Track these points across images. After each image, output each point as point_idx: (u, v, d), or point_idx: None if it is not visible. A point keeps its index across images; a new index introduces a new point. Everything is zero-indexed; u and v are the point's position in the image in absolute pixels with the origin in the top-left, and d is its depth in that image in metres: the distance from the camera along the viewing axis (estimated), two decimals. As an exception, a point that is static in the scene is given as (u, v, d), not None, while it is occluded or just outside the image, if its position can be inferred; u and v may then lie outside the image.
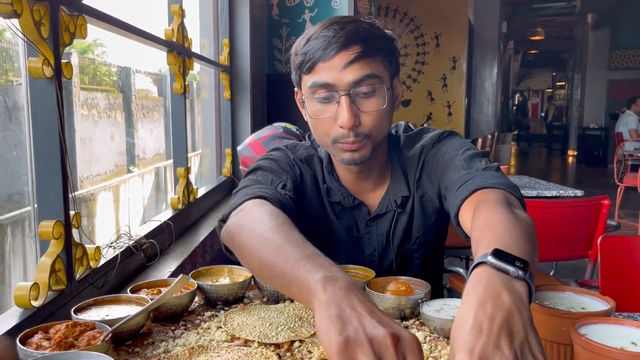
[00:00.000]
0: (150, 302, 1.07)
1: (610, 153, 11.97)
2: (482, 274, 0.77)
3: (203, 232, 2.76)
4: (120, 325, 0.99)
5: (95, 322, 0.99)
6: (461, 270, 2.41)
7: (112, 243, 2.06)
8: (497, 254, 0.77)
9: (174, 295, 1.14)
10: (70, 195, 1.47)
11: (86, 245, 1.65)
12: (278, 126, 2.91)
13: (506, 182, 1.15)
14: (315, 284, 0.77)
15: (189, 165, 2.75)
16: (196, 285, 1.23)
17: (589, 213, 2.72)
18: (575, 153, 15.21)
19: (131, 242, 2.06)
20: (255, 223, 1.06)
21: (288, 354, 1.01)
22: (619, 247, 1.93)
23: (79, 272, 1.59)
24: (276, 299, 1.27)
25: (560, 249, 2.79)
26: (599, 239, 1.92)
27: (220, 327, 1.10)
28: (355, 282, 0.79)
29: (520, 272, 0.76)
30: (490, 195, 1.08)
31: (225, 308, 1.24)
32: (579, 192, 3.34)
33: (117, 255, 1.89)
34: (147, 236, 2.19)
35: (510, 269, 0.76)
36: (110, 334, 0.96)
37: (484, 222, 0.94)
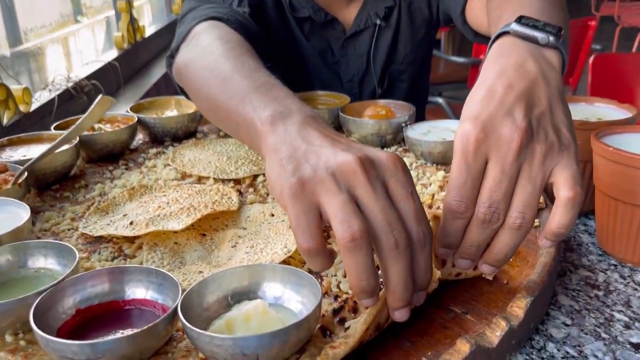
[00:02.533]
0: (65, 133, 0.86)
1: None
2: (503, 45, 0.59)
3: (156, 74, 2.49)
4: (32, 164, 0.79)
5: (7, 164, 0.80)
6: (440, 100, 2.25)
7: (47, 85, 1.81)
8: (523, 20, 0.60)
9: (109, 131, 0.95)
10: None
11: (11, 87, 1.41)
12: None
13: None
14: (262, 124, 0.59)
15: (130, -3, 2.39)
16: (136, 118, 1.03)
17: (573, 36, 2.52)
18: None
19: (70, 84, 1.82)
20: (203, 52, 0.84)
21: (251, 189, 0.84)
22: (610, 64, 1.77)
23: (7, 117, 1.37)
24: (235, 131, 1.08)
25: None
26: (592, 57, 1.75)
27: (169, 165, 0.93)
28: (317, 114, 0.60)
29: (552, 38, 0.59)
30: None
31: (175, 144, 1.05)
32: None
33: (53, 99, 1.65)
34: (89, 77, 1.94)
35: (539, 35, 0.59)
36: (25, 176, 0.77)
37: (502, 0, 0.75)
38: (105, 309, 0.55)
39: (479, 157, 0.51)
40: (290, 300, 0.55)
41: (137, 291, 0.56)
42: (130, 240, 0.69)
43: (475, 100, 0.54)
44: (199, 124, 1.11)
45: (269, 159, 0.55)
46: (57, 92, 1.70)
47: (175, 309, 0.50)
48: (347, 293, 0.58)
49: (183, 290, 0.54)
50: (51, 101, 1.63)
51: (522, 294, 0.58)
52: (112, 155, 0.98)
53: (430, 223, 0.56)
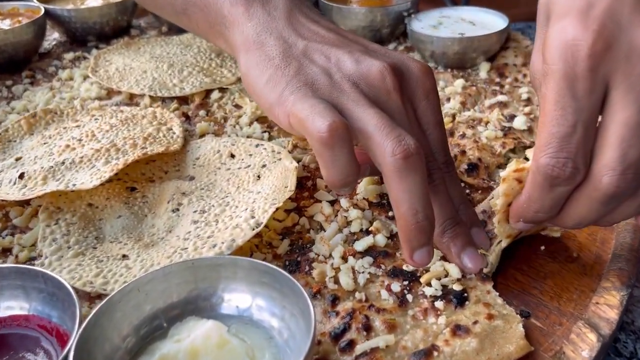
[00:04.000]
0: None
1: None
2: None
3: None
4: None
5: None
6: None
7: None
8: None
9: (6, 29, 0.68)
10: None
11: None
12: None
13: None
14: (233, 5, 0.46)
15: None
16: (43, 10, 0.76)
17: None
18: None
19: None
20: None
21: (202, 112, 0.61)
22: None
23: None
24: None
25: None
26: None
27: (89, 77, 0.68)
28: None
29: None
30: None
31: (101, 46, 0.79)
32: None
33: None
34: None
35: None
36: None
37: None
38: (-37, 336, 0.35)
39: (596, 84, 0.30)
40: (262, 311, 0.35)
41: (15, 305, 0.35)
42: (22, 202, 0.47)
43: None
44: (133, 17, 0.84)
45: (247, 54, 0.43)
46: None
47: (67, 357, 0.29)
48: (351, 293, 0.38)
49: (92, 298, 0.33)
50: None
51: (611, 282, 0.38)
52: (12, 64, 0.72)
53: (503, 185, 0.37)
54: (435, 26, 0.72)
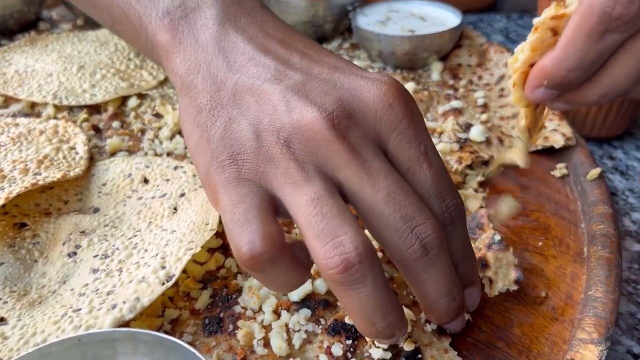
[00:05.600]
0: None
1: None
2: None
3: None
4: None
5: None
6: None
7: None
8: None
9: None
10: None
11: None
12: None
13: None
14: (159, 31, 0.37)
15: None
16: None
17: None
18: None
19: None
20: None
21: (115, 123, 0.52)
22: None
23: None
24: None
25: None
26: None
27: (-17, 81, 0.58)
28: None
29: None
30: None
31: (4, 42, 0.68)
32: None
33: None
34: None
35: None
36: None
37: None
38: None
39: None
40: (170, 396, 0.28)
41: None
42: None
43: None
44: (42, 8, 0.73)
45: (180, 98, 0.35)
46: None
47: None
48: (284, 359, 0.31)
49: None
50: None
51: (588, 333, 0.33)
52: None
53: (533, 36, 0.30)
54: (383, 22, 0.65)
